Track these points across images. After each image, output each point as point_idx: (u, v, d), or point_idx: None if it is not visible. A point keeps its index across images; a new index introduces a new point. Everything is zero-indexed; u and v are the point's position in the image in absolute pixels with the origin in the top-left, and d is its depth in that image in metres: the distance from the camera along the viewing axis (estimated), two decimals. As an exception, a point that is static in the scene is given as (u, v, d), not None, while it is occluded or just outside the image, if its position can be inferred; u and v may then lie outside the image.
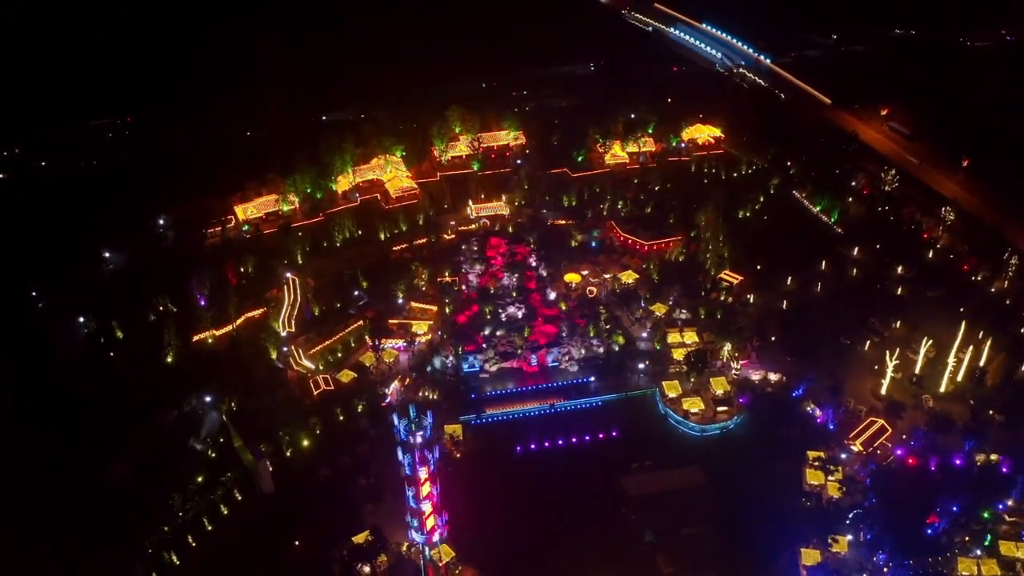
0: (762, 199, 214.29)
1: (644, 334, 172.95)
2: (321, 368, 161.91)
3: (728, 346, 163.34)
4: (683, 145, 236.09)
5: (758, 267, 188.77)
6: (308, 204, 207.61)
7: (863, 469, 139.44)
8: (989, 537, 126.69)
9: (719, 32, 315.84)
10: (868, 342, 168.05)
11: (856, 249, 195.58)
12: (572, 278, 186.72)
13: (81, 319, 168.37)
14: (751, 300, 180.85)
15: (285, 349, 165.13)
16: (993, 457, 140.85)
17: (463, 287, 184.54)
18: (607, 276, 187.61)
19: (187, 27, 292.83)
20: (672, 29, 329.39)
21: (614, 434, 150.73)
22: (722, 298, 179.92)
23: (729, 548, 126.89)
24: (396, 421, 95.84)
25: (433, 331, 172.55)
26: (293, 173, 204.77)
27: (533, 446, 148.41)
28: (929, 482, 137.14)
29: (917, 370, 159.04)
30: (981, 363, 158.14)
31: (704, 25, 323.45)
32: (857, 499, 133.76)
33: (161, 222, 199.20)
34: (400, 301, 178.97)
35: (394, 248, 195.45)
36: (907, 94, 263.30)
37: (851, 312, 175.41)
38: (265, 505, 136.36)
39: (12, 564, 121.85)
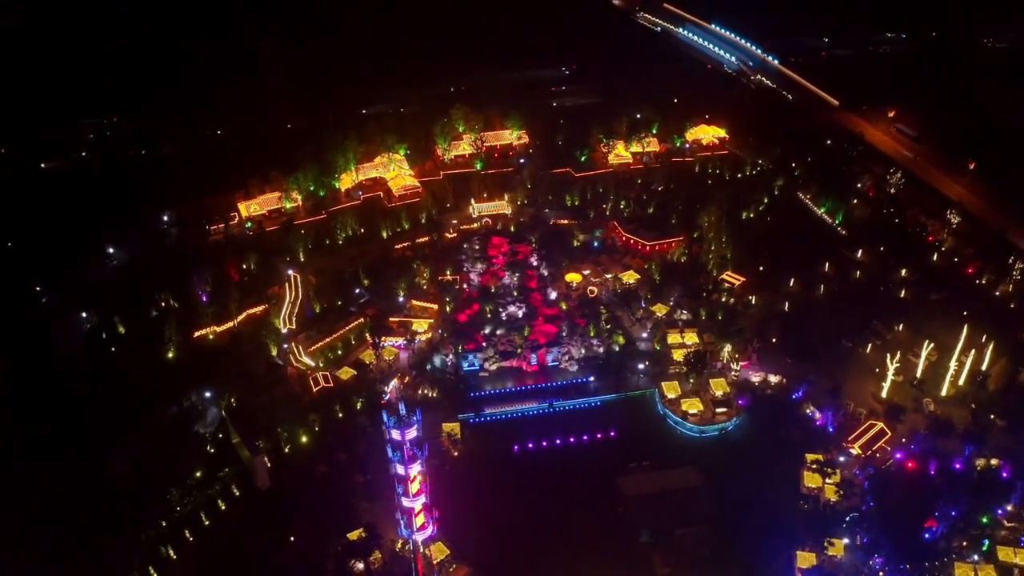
0: (766, 200, 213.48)
1: (644, 334, 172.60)
2: (321, 365, 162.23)
3: (728, 347, 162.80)
4: (687, 145, 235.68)
5: (760, 268, 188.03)
6: (311, 202, 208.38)
7: (861, 472, 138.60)
8: (987, 542, 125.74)
9: (727, 32, 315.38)
10: (870, 345, 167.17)
11: (860, 251, 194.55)
12: (573, 278, 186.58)
13: (84, 315, 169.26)
14: (753, 301, 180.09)
15: (285, 346, 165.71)
16: (993, 462, 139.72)
17: (464, 286, 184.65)
18: (608, 276, 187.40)
19: (190, 26, 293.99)
20: (680, 29, 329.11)
21: (612, 434, 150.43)
22: (723, 299, 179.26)
23: (725, 549, 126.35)
24: (386, 418, 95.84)
25: (433, 329, 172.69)
26: (296, 171, 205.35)
27: (531, 445, 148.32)
28: (928, 486, 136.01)
29: (918, 373, 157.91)
30: (983, 367, 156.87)
31: (712, 25, 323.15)
32: (854, 502, 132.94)
33: (165, 219, 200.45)
34: (401, 299, 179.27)
35: (396, 246, 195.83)
36: (915, 96, 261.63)
37: (853, 314, 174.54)
38: (262, 501, 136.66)
39: (11, 557, 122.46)
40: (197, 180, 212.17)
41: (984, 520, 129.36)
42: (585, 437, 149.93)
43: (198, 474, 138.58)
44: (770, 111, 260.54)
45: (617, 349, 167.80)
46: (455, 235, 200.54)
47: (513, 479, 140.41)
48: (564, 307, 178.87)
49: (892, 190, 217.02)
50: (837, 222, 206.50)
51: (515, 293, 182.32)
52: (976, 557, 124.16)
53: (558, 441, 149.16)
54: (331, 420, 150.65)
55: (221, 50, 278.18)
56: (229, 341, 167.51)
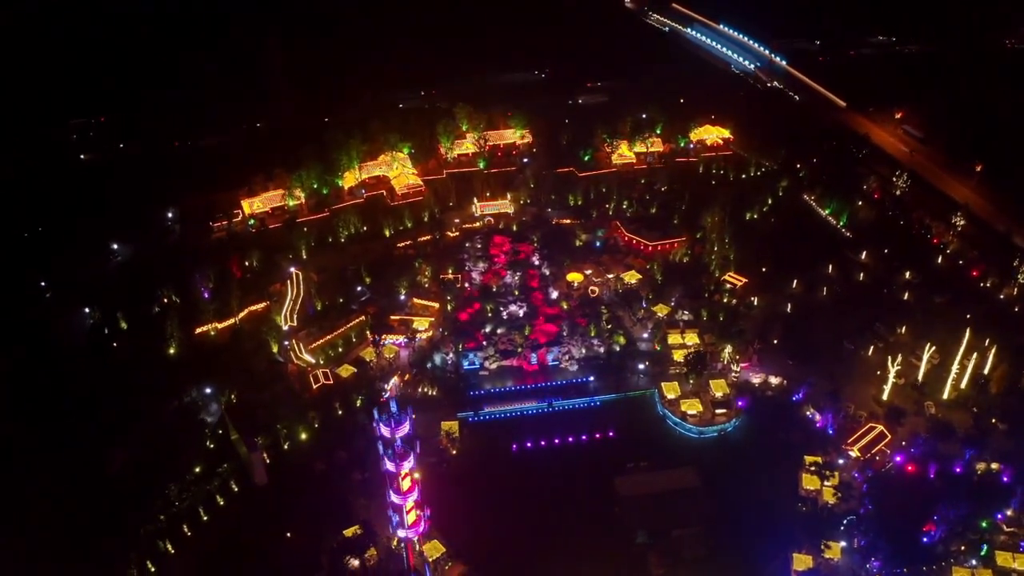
0: (770, 201, 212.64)
1: (645, 335, 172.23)
2: (321, 362, 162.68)
3: (729, 348, 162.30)
4: (691, 146, 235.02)
5: (763, 270, 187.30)
6: (314, 199, 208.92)
7: (860, 475, 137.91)
8: (985, 547, 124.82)
9: (735, 33, 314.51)
10: (872, 347, 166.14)
11: (864, 253, 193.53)
12: (575, 277, 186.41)
13: (87, 311, 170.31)
14: (755, 302, 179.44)
15: (286, 343, 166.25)
16: (994, 466, 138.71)
17: (466, 284, 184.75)
18: (610, 276, 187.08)
19: (192, 26, 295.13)
20: (689, 29, 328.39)
21: (611, 434, 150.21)
22: (725, 300, 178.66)
23: (721, 550, 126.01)
24: (377, 415, 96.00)
25: (434, 328, 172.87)
26: (300, 168, 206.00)
27: (529, 444, 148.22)
28: (927, 490, 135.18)
29: (920, 376, 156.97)
30: (985, 371, 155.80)
31: (721, 26, 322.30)
32: (852, 505, 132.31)
33: (169, 216, 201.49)
34: (402, 297, 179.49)
35: (398, 245, 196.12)
36: (923, 97, 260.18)
37: (856, 316, 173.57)
38: (259, 497, 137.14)
39: (11, 551, 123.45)
40: (202, 177, 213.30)
41: (983, 524, 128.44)
42: (584, 437, 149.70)
43: (197, 470, 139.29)
44: (776, 111, 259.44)
45: (618, 349, 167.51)
46: (457, 234, 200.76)
47: (511, 478, 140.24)
48: (565, 306, 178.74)
49: (898, 192, 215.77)
50: (842, 223, 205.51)
51: (516, 292, 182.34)
52: (974, 562, 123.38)
53: (556, 441, 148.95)
54: (331, 417, 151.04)
55: (224, 49, 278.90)
56: (230, 338, 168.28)
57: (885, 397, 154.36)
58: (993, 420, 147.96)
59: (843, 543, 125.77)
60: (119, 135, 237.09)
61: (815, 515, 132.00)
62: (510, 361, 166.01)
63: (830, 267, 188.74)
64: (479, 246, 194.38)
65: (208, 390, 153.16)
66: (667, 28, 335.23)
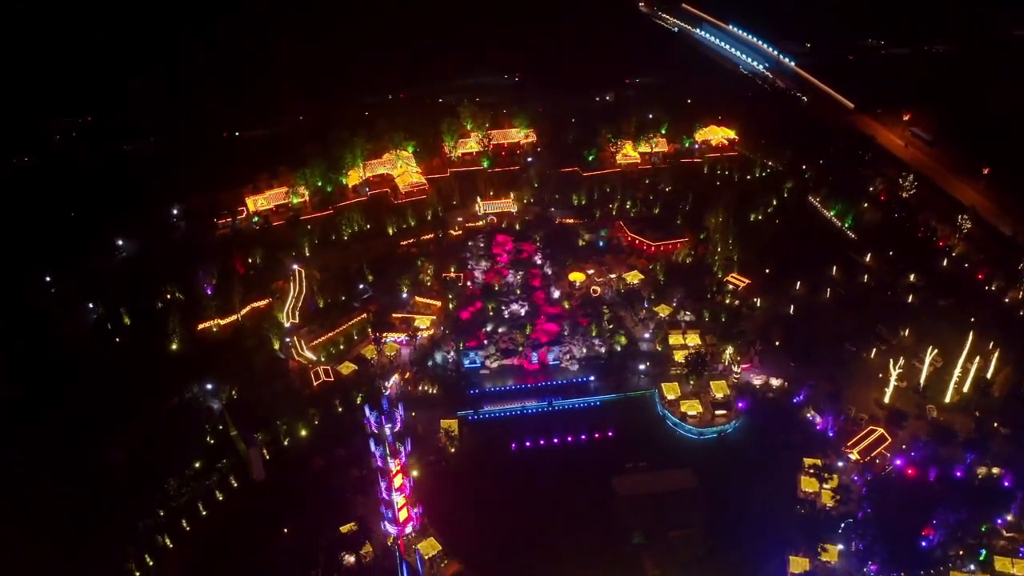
0: (775, 202, 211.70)
1: (647, 335, 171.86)
2: (322, 359, 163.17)
3: (730, 349, 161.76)
4: (696, 146, 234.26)
5: (767, 271, 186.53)
6: (318, 197, 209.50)
7: (859, 478, 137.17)
8: (984, 552, 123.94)
9: (744, 33, 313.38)
10: (874, 350, 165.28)
11: (869, 255, 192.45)
12: (577, 277, 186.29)
13: (90, 305, 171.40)
14: (758, 304, 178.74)
15: (288, 340, 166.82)
16: (995, 471, 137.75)
17: (468, 283, 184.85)
18: (612, 276, 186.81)
19: (200, 24, 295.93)
20: (698, 30, 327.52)
21: (610, 434, 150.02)
22: (727, 301, 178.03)
23: (717, 552, 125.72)
24: (368, 413, 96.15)
25: (436, 326, 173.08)
26: (304, 166, 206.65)
27: (528, 443, 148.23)
28: (927, 494, 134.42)
29: (922, 380, 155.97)
30: (988, 375, 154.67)
31: (730, 26, 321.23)
32: (851, 508, 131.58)
33: (175, 212, 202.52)
34: (404, 295, 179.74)
35: (401, 243, 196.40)
36: (931, 99, 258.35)
37: (859, 319, 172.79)
38: (258, 493, 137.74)
39: (10, 543, 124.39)
40: (208, 174, 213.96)
41: (983, 528, 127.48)
42: (583, 437, 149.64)
43: (197, 465, 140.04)
44: (783, 112, 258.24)
45: (619, 349, 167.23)
46: (460, 232, 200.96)
47: (509, 477, 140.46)
48: (567, 306, 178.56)
49: (904, 194, 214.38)
50: (847, 225, 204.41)
51: (518, 291, 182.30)
52: (972, 567, 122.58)
53: (556, 440, 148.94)
54: (331, 414, 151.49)
55: (235, 46, 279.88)
56: (232, 334, 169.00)
57: (887, 400, 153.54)
58: (995, 424, 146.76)
59: (840, 546, 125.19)
60: (124, 133, 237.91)
61: (813, 518, 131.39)
62: (511, 360, 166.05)
63: (834, 269, 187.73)
64: (482, 245, 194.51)
65: (209, 386, 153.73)
66: (676, 28, 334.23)
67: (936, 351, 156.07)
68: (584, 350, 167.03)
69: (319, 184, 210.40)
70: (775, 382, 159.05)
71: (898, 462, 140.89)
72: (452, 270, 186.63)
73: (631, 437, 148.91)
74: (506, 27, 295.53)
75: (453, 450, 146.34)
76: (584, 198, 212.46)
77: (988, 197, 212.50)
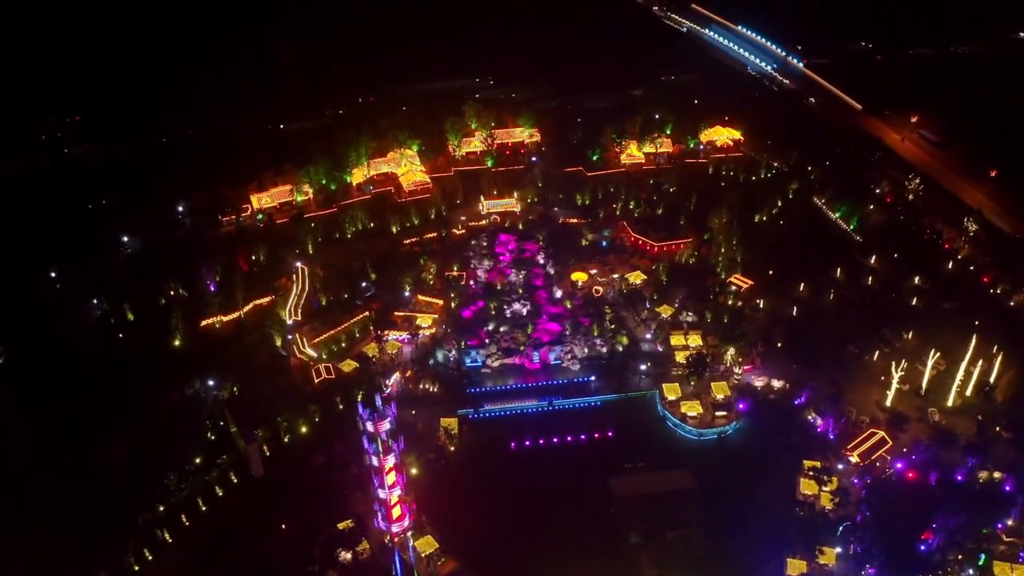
0: (779, 204, 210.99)
1: (648, 335, 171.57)
2: (324, 357, 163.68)
3: (731, 350, 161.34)
4: (701, 147, 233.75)
5: (770, 272, 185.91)
6: (322, 195, 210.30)
7: (859, 481, 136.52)
8: (983, 557, 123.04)
9: (753, 34, 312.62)
10: (877, 352, 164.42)
11: (873, 257, 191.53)
12: (579, 277, 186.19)
13: (95, 301, 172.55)
14: (761, 305, 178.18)
15: (290, 337, 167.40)
16: (996, 475, 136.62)
17: (470, 282, 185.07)
18: (615, 276, 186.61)
19: (206, 24, 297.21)
20: (706, 30, 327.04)
21: (610, 434, 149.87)
22: (730, 302, 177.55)
23: (714, 553, 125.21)
24: (361, 410, 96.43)
25: (438, 325, 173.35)
26: (309, 164, 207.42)
27: (528, 443, 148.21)
28: (927, 497, 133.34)
29: (924, 383, 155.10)
30: (991, 379, 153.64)
31: (739, 27, 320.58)
32: (849, 511, 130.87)
33: (180, 209, 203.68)
34: (407, 294, 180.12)
35: (404, 241, 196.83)
36: (939, 101, 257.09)
37: (862, 321, 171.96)
38: (257, 489, 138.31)
39: (10, 536, 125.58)
40: (213, 172, 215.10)
41: (984, 531, 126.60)
42: (583, 437, 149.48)
43: (197, 460, 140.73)
44: (790, 113, 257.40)
45: (621, 349, 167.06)
46: (463, 231, 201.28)
47: (508, 476, 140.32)
48: (569, 306, 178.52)
49: (910, 196, 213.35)
50: (852, 227, 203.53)
51: (520, 291, 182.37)
52: (971, 571, 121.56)
53: (555, 440, 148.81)
54: (331, 411, 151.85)
55: (241, 45, 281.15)
56: (234, 331, 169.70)
57: (888, 403, 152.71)
58: (998, 428, 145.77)
59: (838, 549, 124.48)
60: (129, 130, 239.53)
61: (811, 520, 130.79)
62: (512, 359, 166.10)
63: (838, 271, 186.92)
64: (485, 244, 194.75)
65: (211, 382, 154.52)
66: (685, 28, 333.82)
67: (938, 354, 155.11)
68: (585, 350, 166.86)
69: (323, 182, 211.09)
70: (777, 384, 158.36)
71: (899, 465, 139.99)
72: (455, 269, 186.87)
73: (631, 437, 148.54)
74: (521, 27, 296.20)
75: (453, 448, 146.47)
76: (588, 198, 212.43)
77: (995, 200, 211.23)
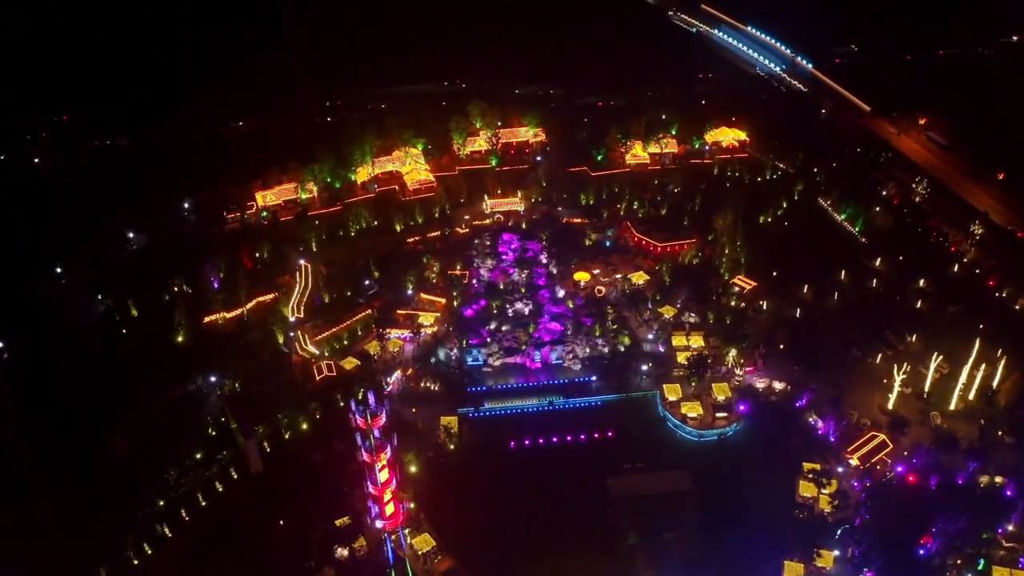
0: (784, 205, 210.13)
1: (650, 336, 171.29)
2: (326, 354, 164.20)
3: (733, 352, 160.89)
4: (707, 148, 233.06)
5: (774, 273, 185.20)
6: (327, 193, 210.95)
7: (859, 484, 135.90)
8: (983, 562, 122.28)
9: (763, 35, 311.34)
10: (880, 355, 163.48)
11: (879, 260, 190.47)
12: (582, 276, 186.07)
13: (99, 297, 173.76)
14: (764, 306, 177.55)
15: (292, 334, 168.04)
16: (998, 479, 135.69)
17: (473, 281, 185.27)
18: (618, 276, 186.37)
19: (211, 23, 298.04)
20: (716, 31, 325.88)
21: (610, 435, 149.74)
22: (732, 303, 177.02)
23: (711, 554, 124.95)
24: (353, 406, 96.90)
25: (440, 323, 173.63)
26: (314, 162, 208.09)
27: (527, 442, 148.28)
28: (927, 501, 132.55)
29: (927, 386, 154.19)
30: (995, 383, 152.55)
31: (749, 27, 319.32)
32: (848, 514, 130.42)
33: (186, 206, 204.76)
34: (409, 292, 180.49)
35: (408, 240, 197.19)
36: (947, 103, 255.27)
37: (866, 323, 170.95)
38: (256, 485, 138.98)
39: (10, 528, 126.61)
40: (219, 168, 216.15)
41: (984, 536, 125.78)
42: (583, 437, 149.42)
43: (198, 456, 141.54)
44: (798, 114, 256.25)
45: (622, 350, 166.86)
46: (467, 230, 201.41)
47: (507, 475, 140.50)
48: (571, 306, 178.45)
49: (917, 198, 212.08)
50: (857, 229, 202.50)
51: (523, 290, 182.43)
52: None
53: (555, 439, 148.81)
54: (332, 409, 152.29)
55: (247, 44, 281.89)
56: (237, 327, 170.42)
57: (890, 406, 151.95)
58: (1000, 433, 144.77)
59: (836, 552, 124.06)
60: (136, 128, 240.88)
61: (809, 523, 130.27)
62: (514, 358, 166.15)
63: (843, 273, 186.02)
64: (488, 243, 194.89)
65: (213, 378, 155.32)
66: (695, 29, 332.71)
67: (941, 357, 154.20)
68: (587, 350, 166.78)
69: (328, 180, 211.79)
70: (778, 385, 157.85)
71: (899, 469, 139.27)
72: (458, 268, 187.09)
73: (631, 438, 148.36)
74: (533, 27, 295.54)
75: (452, 447, 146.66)
76: (592, 198, 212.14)
77: (1002, 202, 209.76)
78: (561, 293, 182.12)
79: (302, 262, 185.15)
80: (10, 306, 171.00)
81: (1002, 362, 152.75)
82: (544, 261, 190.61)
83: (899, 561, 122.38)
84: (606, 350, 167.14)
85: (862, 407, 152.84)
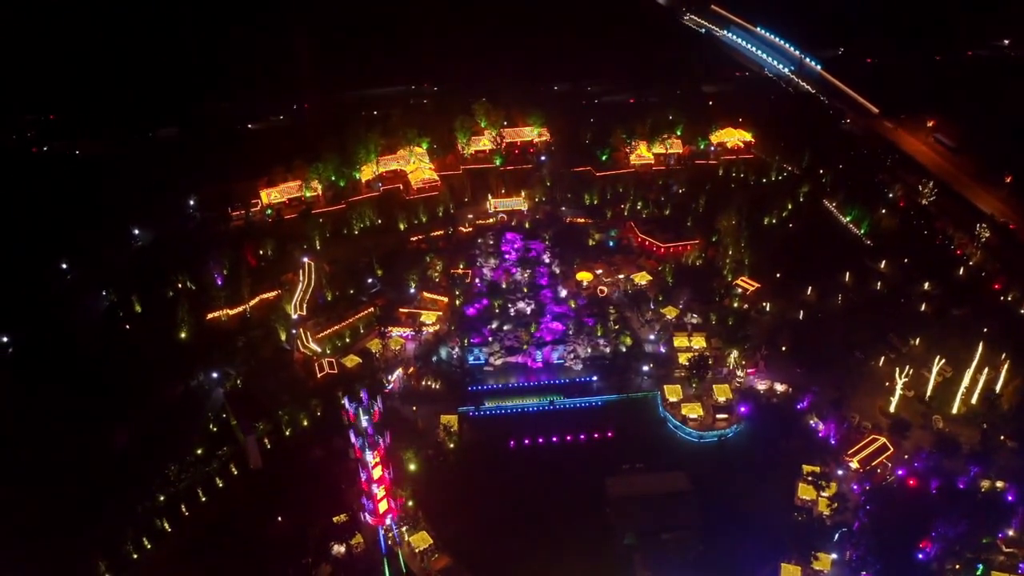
0: (789, 206, 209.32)
1: (652, 336, 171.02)
2: (328, 352, 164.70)
3: (735, 353, 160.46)
4: (712, 148, 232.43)
5: (777, 275, 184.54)
6: (331, 191, 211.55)
7: (858, 487, 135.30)
8: (981, 567, 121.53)
9: (772, 36, 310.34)
10: (883, 357, 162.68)
11: (883, 262, 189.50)
12: (585, 276, 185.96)
13: (104, 292, 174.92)
14: (767, 308, 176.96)
15: (294, 332, 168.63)
16: (999, 484, 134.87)
17: (475, 280, 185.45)
18: (620, 276, 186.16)
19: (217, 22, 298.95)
20: (725, 31, 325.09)
21: (610, 435, 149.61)
22: (735, 304, 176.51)
23: (708, 556, 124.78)
24: (347, 404, 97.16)
25: (442, 322, 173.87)
26: (319, 161, 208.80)
27: (527, 441, 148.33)
28: (927, 505, 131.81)
29: (929, 389, 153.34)
30: (998, 387, 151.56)
31: (758, 28, 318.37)
32: (847, 517, 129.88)
33: (191, 203, 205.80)
34: (412, 291, 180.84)
35: (411, 238, 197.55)
36: (955, 106, 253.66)
37: (869, 326, 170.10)
38: (255, 481, 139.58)
39: (9, 524, 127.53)
40: (224, 166, 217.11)
41: (984, 541, 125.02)
42: (583, 437, 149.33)
43: (199, 451, 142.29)
44: (805, 115, 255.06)
45: (624, 350, 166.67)
46: (470, 229, 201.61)
47: (506, 474, 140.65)
48: (573, 305, 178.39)
49: (923, 201, 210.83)
50: (862, 231, 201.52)
51: (525, 289, 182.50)
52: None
53: (555, 439, 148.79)
54: (333, 406, 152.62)
55: (253, 43, 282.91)
56: (239, 324, 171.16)
57: (892, 409, 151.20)
58: (1003, 437, 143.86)
59: (834, 555, 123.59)
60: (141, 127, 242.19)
61: (807, 525, 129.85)
62: (515, 358, 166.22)
63: (847, 275, 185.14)
64: (491, 242, 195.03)
65: (215, 375, 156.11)
66: (704, 30, 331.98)
67: (944, 360, 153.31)
68: (589, 350, 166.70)
69: (332, 178, 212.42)
70: (780, 388, 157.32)
71: (900, 472, 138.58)
72: (460, 267, 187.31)
73: (631, 438, 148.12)
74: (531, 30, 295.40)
75: (452, 446, 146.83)
76: (596, 198, 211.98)
77: (1010, 205, 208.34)
78: (563, 293, 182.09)
79: (305, 260, 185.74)
80: (15, 301, 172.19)
81: (1005, 366, 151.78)
82: (547, 261, 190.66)
83: (897, 565, 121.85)
84: (607, 350, 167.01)
85: (864, 410, 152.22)
